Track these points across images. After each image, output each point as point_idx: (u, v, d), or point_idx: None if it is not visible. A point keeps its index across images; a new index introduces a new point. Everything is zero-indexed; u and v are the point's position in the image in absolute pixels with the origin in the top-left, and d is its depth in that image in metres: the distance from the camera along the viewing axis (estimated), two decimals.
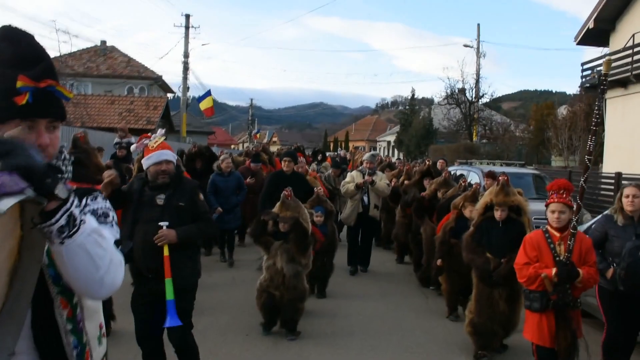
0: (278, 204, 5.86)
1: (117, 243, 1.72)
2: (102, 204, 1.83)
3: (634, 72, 15.90)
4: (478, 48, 32.02)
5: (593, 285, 4.23)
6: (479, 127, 34.21)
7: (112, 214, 1.84)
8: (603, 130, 18.80)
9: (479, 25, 32.30)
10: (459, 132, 35.68)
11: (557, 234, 4.09)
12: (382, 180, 8.97)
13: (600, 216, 5.57)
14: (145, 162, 4.05)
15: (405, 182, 9.58)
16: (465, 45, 32.30)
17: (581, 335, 4.14)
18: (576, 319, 4.12)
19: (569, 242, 3.93)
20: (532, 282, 4.05)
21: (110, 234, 1.72)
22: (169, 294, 3.89)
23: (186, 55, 28.87)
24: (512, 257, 4.81)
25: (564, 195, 4.05)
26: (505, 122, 37.53)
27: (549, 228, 4.15)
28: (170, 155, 4.08)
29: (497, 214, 5.22)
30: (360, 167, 9.49)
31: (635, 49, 15.95)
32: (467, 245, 5.40)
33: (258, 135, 56.85)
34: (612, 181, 13.60)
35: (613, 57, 16.99)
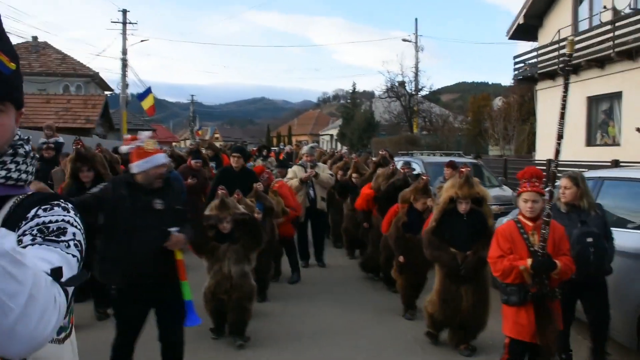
0: (214, 204, 5.52)
1: (56, 273, 1.14)
2: (60, 215, 1.36)
3: (560, 65, 16.83)
4: (416, 42, 32.85)
5: (570, 275, 4.01)
6: (419, 119, 35.14)
7: (72, 230, 1.35)
8: (535, 120, 19.84)
9: (416, 19, 33.31)
10: (400, 124, 36.54)
11: (530, 224, 3.96)
12: (324, 171, 8.97)
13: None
14: (143, 165, 3.82)
15: (354, 175, 9.32)
16: (404, 40, 33.04)
17: (561, 327, 4.06)
18: (555, 310, 3.96)
19: (543, 231, 3.78)
20: (507, 275, 3.88)
21: (57, 258, 1.22)
22: (187, 295, 3.96)
23: (124, 52, 28.38)
24: (477, 248, 4.89)
25: (537, 184, 3.91)
26: (444, 114, 38.68)
27: (520, 218, 4.01)
28: (165, 158, 3.95)
29: (462, 207, 5.08)
30: (300, 161, 9.38)
31: (561, 44, 16.88)
32: (430, 242, 5.16)
33: (200, 132, 56.22)
34: (544, 167, 14.43)
35: (540, 51, 17.98)
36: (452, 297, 5.07)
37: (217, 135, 71.11)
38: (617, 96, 15.51)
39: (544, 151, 17.88)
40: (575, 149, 16.21)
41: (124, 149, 4.39)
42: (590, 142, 16.78)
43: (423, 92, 36.04)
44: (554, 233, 3.88)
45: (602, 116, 16.64)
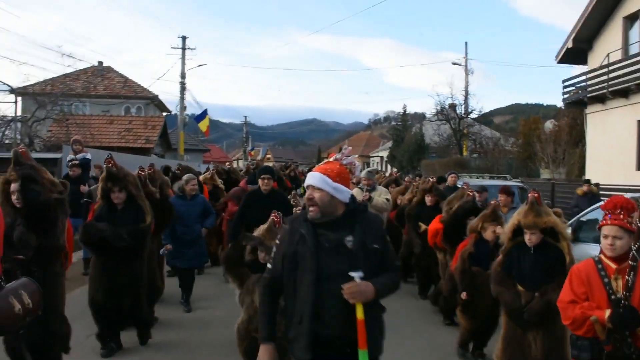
0: (263, 228, 4.75)
1: None
2: None
3: (609, 89, 16.84)
4: (466, 65, 33.01)
5: None
6: (469, 142, 35.10)
7: None
8: (584, 144, 19.74)
9: (466, 43, 33.34)
10: (450, 147, 36.56)
11: (613, 265, 3.19)
12: (381, 196, 8.47)
13: None
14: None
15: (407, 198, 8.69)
16: (454, 63, 33.28)
17: None
18: None
19: (627, 277, 3.08)
20: (579, 325, 3.18)
21: None
22: None
23: (183, 76, 29.77)
24: (546, 290, 4.25)
25: (622, 216, 3.16)
26: (495, 137, 38.47)
27: (602, 257, 3.27)
28: (319, 180, 2.90)
29: (527, 239, 4.38)
30: (359, 184, 9.08)
31: (610, 68, 16.91)
32: (495, 276, 4.57)
33: (253, 152, 57.80)
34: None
35: (589, 75, 17.99)
36: (518, 343, 4.40)
37: (269, 156, 72.54)
38: None
39: (593, 175, 17.74)
40: (626, 173, 16.10)
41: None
42: None
43: (473, 115, 36.03)
44: None
45: None
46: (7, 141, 16.40)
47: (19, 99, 28.41)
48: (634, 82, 15.70)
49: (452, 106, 35.69)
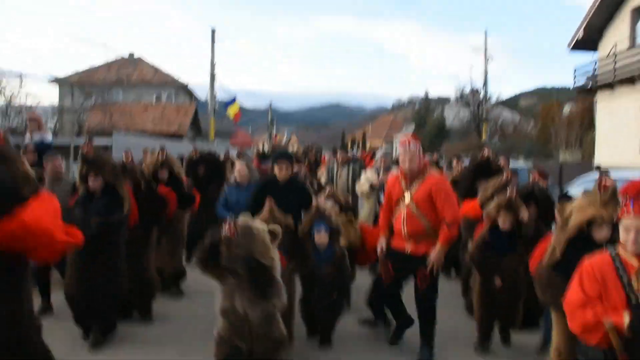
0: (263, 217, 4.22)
1: None
2: None
3: (617, 77, 17.94)
4: (485, 53, 33.75)
5: None
6: (489, 126, 36.03)
7: None
8: (594, 128, 20.83)
9: (486, 32, 33.98)
10: (470, 131, 37.57)
11: (635, 263, 2.72)
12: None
13: None
14: None
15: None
16: (474, 50, 34.04)
17: None
18: None
19: None
20: (590, 332, 2.70)
21: None
22: None
23: (213, 66, 31.20)
24: None
25: None
26: (515, 120, 39.36)
27: (621, 252, 2.78)
28: None
29: (602, 234, 3.56)
30: (375, 166, 8.76)
31: (618, 56, 17.98)
32: (550, 282, 3.67)
33: (278, 136, 59.16)
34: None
35: (599, 63, 19.12)
36: None
37: (293, 139, 73.75)
38: None
39: (602, 156, 18.83)
40: (630, 157, 17.18)
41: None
42: None
43: (492, 101, 36.85)
44: None
45: None
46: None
47: (57, 87, 30.25)
48: None
49: (474, 91, 36.52)
